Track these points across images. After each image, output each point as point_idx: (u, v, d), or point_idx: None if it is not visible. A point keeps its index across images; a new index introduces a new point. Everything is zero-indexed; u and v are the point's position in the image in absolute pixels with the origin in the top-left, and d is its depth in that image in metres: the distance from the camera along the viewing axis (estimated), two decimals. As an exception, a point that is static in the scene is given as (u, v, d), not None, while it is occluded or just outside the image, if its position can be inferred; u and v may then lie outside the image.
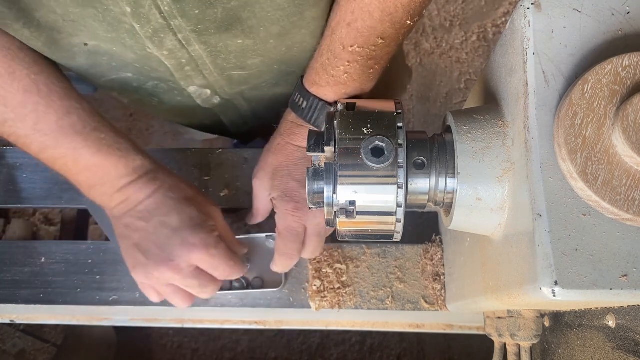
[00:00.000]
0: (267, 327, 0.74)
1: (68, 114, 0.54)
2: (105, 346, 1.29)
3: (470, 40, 1.70)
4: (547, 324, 0.52)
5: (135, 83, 0.64)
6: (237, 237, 0.68)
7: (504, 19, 1.70)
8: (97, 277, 0.70)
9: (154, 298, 0.62)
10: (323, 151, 0.42)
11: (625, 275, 0.34)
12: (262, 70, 0.63)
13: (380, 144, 0.40)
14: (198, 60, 0.58)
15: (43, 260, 0.71)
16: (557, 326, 0.51)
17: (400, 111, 0.43)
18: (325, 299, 0.68)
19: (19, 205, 0.75)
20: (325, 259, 0.69)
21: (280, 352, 1.44)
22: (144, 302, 0.68)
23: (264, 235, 0.70)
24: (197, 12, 0.50)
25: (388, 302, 0.67)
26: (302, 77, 0.60)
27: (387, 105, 0.44)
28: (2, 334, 1.02)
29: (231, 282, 0.69)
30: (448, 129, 0.44)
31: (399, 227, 0.43)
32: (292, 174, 0.61)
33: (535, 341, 0.51)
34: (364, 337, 1.44)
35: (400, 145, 0.40)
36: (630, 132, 0.33)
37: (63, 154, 0.55)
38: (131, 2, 0.47)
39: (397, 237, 0.44)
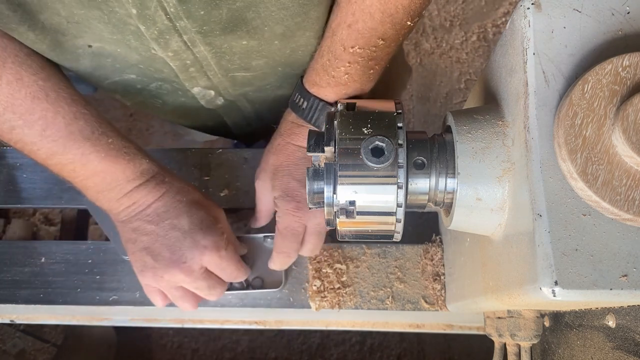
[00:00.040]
0: (267, 327, 0.74)
1: (76, 120, 0.54)
2: (105, 346, 1.29)
3: (470, 40, 1.70)
4: (547, 324, 0.52)
5: (139, 84, 0.64)
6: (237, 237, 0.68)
7: (504, 19, 1.70)
8: (97, 277, 0.70)
9: (158, 302, 0.62)
10: (323, 151, 0.42)
11: (625, 275, 0.34)
12: (266, 72, 0.63)
13: (380, 144, 0.40)
14: (203, 62, 0.58)
15: (43, 260, 0.71)
16: (557, 326, 0.51)
17: (400, 111, 0.43)
18: (325, 299, 0.68)
19: (19, 205, 0.75)
20: (325, 259, 0.69)
21: (280, 352, 1.44)
22: (144, 302, 0.68)
23: (262, 235, 0.70)
24: (202, 13, 0.50)
25: (388, 302, 0.67)
26: (302, 77, 0.60)
27: (387, 105, 0.44)
28: (2, 334, 1.02)
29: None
30: (448, 129, 0.44)
31: (399, 227, 0.43)
32: (292, 174, 0.61)
33: (535, 341, 0.51)
34: (364, 337, 1.44)
35: (400, 145, 0.41)
36: (630, 132, 0.33)
37: (71, 159, 0.55)
38: (137, 3, 0.47)
39: (397, 237, 0.44)
